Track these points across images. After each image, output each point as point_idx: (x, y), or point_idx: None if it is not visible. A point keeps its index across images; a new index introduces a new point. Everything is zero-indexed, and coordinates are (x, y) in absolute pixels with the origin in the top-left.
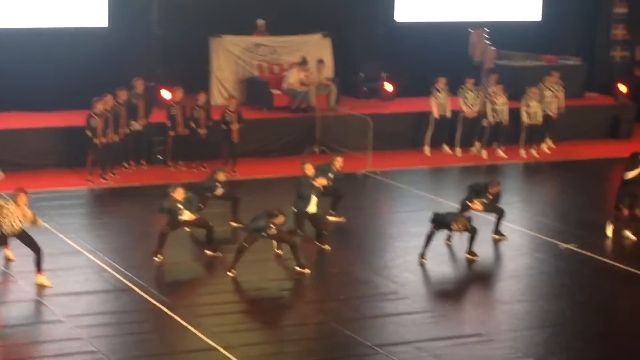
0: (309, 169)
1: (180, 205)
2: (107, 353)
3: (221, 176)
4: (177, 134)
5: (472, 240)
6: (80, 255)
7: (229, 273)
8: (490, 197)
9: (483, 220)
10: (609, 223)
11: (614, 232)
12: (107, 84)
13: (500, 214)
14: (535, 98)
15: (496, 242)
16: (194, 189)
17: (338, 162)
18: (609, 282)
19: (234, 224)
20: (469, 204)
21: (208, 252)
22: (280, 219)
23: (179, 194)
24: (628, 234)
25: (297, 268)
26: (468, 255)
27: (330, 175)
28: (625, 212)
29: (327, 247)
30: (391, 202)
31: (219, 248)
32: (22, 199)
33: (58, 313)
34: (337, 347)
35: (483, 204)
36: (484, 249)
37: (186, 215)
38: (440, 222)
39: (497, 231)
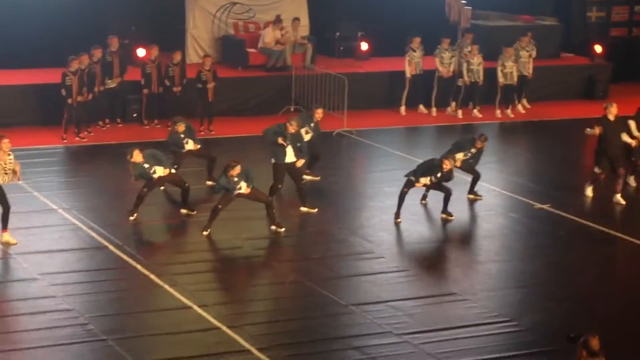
0: (293, 127)
1: (146, 165)
2: (82, 311)
3: (180, 127)
4: (151, 92)
5: (447, 200)
6: (55, 213)
7: (203, 233)
8: (474, 151)
9: (458, 180)
10: (589, 184)
11: (594, 191)
12: (82, 42)
13: (476, 175)
14: (510, 58)
15: (471, 202)
16: (165, 148)
17: (318, 114)
18: (583, 243)
19: (209, 182)
20: (445, 160)
21: (183, 211)
22: (236, 169)
23: (137, 156)
24: (619, 198)
25: (273, 227)
26: (443, 215)
27: (312, 125)
28: (603, 176)
29: (314, 210)
30: (367, 162)
31: (194, 207)
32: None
33: (32, 271)
34: (312, 306)
35: (465, 156)
36: (459, 209)
37: (159, 171)
38: (427, 169)
39: (472, 191)
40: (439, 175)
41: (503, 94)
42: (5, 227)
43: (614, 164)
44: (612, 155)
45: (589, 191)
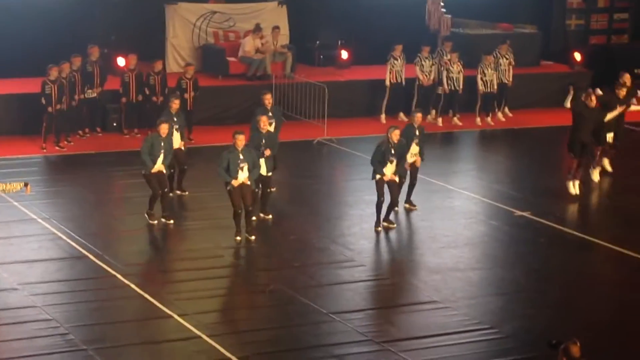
0: (263, 121)
1: (162, 143)
2: (62, 321)
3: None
4: (129, 101)
5: (390, 209)
6: (34, 223)
7: (237, 238)
8: (418, 133)
9: (439, 189)
10: (569, 180)
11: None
12: (62, 51)
13: (414, 180)
14: (490, 66)
15: (409, 212)
16: None
17: (266, 99)
18: (563, 250)
19: (178, 192)
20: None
21: (162, 219)
22: (241, 139)
23: (163, 129)
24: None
25: (246, 234)
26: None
27: (269, 114)
28: (577, 162)
29: (269, 216)
30: (347, 170)
31: (172, 215)
32: None
33: (12, 281)
34: (292, 315)
35: (417, 145)
36: (438, 217)
37: (159, 163)
38: (381, 158)
39: (409, 200)
40: (393, 151)
41: (483, 101)
42: None
43: (584, 149)
44: (583, 141)
45: (572, 187)
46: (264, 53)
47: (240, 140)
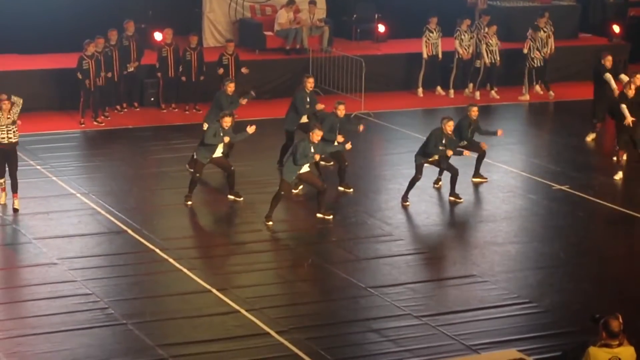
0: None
1: (222, 131)
2: (101, 295)
3: (230, 87)
4: (167, 76)
5: (454, 182)
6: (73, 198)
7: (268, 224)
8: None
9: (468, 162)
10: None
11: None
12: (99, 26)
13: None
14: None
15: (478, 185)
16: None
17: (309, 82)
18: (602, 224)
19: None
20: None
21: (230, 197)
22: (318, 134)
23: (226, 122)
24: None
25: (319, 215)
26: (451, 198)
27: (308, 98)
28: (621, 152)
29: (350, 190)
30: (384, 144)
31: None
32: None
33: (52, 255)
34: (331, 289)
35: (471, 134)
36: (477, 190)
37: (219, 150)
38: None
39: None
40: (444, 141)
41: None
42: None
43: (635, 140)
44: (633, 131)
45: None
46: (298, 23)
47: (316, 135)
